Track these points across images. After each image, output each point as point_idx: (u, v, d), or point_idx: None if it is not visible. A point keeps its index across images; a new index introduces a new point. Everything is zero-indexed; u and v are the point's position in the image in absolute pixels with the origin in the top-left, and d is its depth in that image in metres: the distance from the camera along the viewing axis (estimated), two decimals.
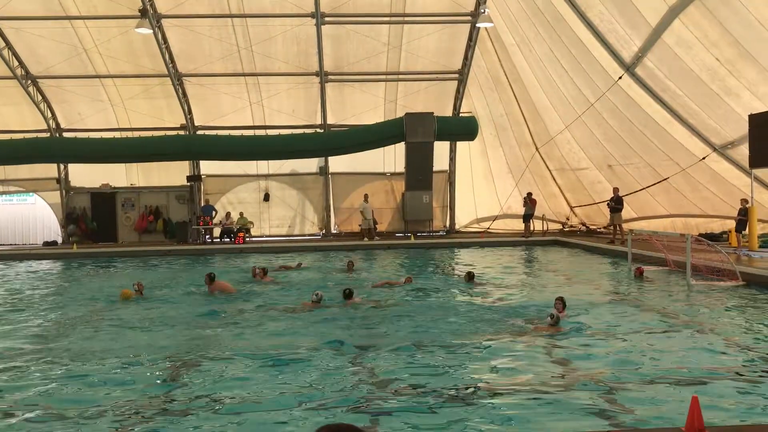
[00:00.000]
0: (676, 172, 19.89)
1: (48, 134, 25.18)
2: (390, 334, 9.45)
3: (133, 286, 12.93)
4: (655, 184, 20.92)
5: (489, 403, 6.32)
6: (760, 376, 7.00)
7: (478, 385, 6.96)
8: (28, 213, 27.80)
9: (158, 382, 7.34)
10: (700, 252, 14.02)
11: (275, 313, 11.09)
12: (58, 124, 25.62)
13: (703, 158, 18.88)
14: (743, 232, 17.52)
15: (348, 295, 11.40)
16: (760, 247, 16.99)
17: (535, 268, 17.83)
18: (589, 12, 19.07)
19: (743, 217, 17.40)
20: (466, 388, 6.81)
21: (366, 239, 24.04)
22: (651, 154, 20.66)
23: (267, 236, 26.25)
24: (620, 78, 19.45)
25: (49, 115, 25.32)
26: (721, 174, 18.95)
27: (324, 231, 26.43)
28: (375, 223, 24.75)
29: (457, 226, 26.80)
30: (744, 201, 17.46)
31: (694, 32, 16.69)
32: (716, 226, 20.23)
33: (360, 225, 24.89)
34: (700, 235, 18.55)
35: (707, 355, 7.94)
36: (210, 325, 10.18)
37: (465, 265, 17.48)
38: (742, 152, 17.52)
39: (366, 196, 24.86)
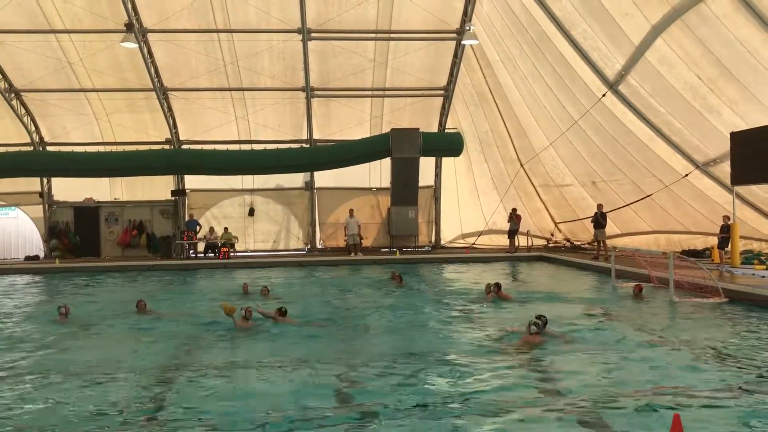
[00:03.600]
0: (659, 188, 20.04)
1: (32, 148, 24.99)
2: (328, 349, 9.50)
3: (59, 309, 12.46)
4: (638, 200, 21.06)
5: (462, 417, 6.29)
6: (742, 394, 7.01)
7: (452, 399, 6.91)
8: (10, 227, 27.55)
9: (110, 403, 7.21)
10: (683, 269, 14.11)
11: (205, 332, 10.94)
12: (41, 138, 25.45)
13: (686, 175, 19.04)
14: (725, 248, 17.66)
15: (284, 313, 11.40)
16: (742, 263, 17.13)
17: (520, 284, 17.83)
18: (572, 30, 19.26)
19: (725, 234, 17.54)
20: (440, 402, 6.77)
21: (352, 254, 24.00)
22: (634, 171, 20.82)
23: (251, 251, 26.14)
24: (604, 95, 19.62)
25: (33, 128, 25.16)
26: (704, 191, 19.12)
27: (309, 246, 26.36)
28: (360, 238, 24.72)
29: (442, 242, 26.83)
30: (726, 218, 17.61)
31: (676, 51, 16.90)
32: (699, 243, 20.37)
33: (345, 240, 24.85)
34: (683, 251, 18.71)
35: (689, 373, 7.95)
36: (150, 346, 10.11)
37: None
38: (724, 169, 17.71)
39: (351, 211, 24.84)
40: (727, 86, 16.51)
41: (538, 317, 9.75)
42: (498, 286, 13.75)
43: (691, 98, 17.45)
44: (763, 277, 14.94)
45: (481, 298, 13.78)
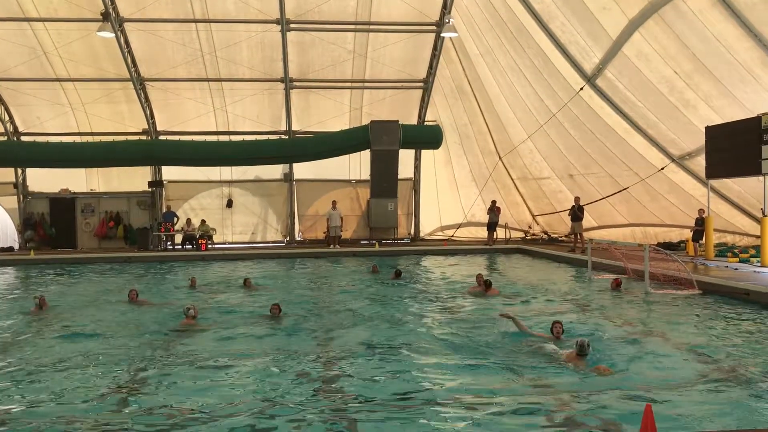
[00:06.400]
0: (635, 182, 20.26)
1: (5, 138, 24.62)
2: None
3: (34, 299, 12.40)
4: (615, 193, 21.27)
5: (438, 409, 6.34)
6: (714, 384, 7.12)
7: (422, 391, 6.95)
8: None
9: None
10: (658, 261, 14.26)
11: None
12: (15, 128, 25.08)
13: (662, 169, 19.27)
14: (700, 241, 17.90)
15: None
16: (716, 256, 17.37)
17: (497, 276, 17.90)
18: (551, 23, 19.36)
19: (700, 227, 17.78)
20: (422, 397, 6.81)
21: (332, 246, 23.98)
22: (611, 164, 21.01)
23: (229, 243, 26.01)
24: (581, 89, 19.77)
25: (7, 118, 24.78)
26: (679, 184, 19.37)
27: (288, 238, 26.29)
28: (340, 230, 24.68)
29: (421, 234, 26.89)
30: (701, 211, 17.84)
31: (653, 45, 17.06)
32: (674, 236, 20.63)
33: (325, 232, 24.80)
34: (659, 244, 18.90)
35: (661, 364, 8.04)
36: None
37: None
38: (700, 163, 17.94)
39: (334, 203, 24.80)
40: (702, 81, 16.71)
41: (556, 323, 9.26)
42: (488, 283, 13.71)
43: (668, 92, 17.64)
44: (736, 269, 15.16)
45: (462, 292, 13.87)
